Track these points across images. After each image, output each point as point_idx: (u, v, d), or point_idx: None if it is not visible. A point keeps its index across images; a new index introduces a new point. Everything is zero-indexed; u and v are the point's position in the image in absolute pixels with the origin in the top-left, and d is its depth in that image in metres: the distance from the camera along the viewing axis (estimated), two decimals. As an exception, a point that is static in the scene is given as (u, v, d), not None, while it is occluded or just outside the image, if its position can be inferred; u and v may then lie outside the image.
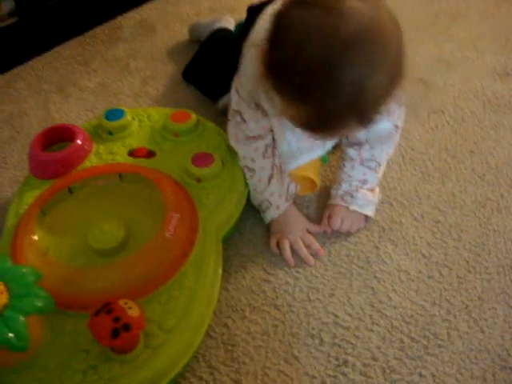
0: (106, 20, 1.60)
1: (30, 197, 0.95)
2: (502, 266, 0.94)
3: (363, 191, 0.99)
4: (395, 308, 0.88)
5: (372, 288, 0.91)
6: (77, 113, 1.29)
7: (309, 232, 0.99)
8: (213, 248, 0.87)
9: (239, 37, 0.94)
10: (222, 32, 1.37)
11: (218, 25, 1.40)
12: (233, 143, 0.99)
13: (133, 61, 1.45)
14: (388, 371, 0.81)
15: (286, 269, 0.94)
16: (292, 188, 1.02)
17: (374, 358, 0.82)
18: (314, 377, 0.80)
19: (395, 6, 0.69)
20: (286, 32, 0.68)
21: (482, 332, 0.85)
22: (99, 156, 1.02)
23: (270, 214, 0.99)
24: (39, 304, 0.70)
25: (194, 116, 1.06)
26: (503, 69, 1.38)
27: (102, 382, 0.70)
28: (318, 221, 1.01)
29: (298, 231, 0.98)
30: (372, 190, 1.01)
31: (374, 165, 0.99)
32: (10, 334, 0.65)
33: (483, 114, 1.25)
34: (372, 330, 0.85)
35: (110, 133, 1.05)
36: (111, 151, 1.03)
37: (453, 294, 0.90)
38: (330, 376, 0.80)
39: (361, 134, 0.97)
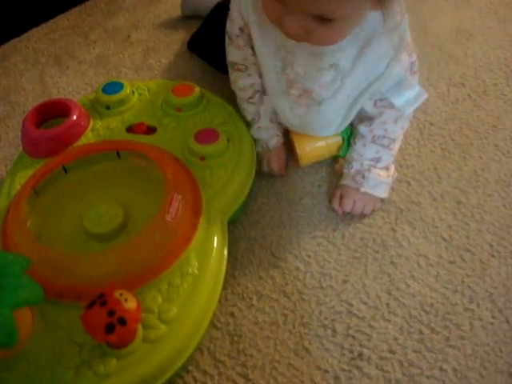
0: (107, -12, 1.52)
1: (23, 177, 0.90)
2: (528, 250, 0.87)
3: (376, 171, 0.93)
4: (414, 296, 0.82)
5: (389, 274, 0.85)
6: (75, 87, 1.23)
7: None
8: (218, 231, 0.81)
9: None
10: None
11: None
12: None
13: (134, 31, 1.38)
14: (406, 365, 0.75)
15: (296, 253, 0.88)
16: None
17: (391, 351, 0.76)
18: (326, 371, 0.75)
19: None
20: None
21: (508, 322, 0.79)
22: (96, 132, 0.96)
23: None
24: (27, 295, 0.64)
25: (197, 89, 1.00)
26: (526, 38, 1.30)
27: (96, 379, 0.65)
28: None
29: None
30: (387, 169, 0.94)
31: (388, 142, 0.92)
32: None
33: (506, 86, 1.17)
34: (389, 320, 0.80)
35: (108, 107, 0.99)
36: (109, 127, 0.97)
37: (476, 280, 0.84)
38: (343, 370, 0.75)
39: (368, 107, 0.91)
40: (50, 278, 0.72)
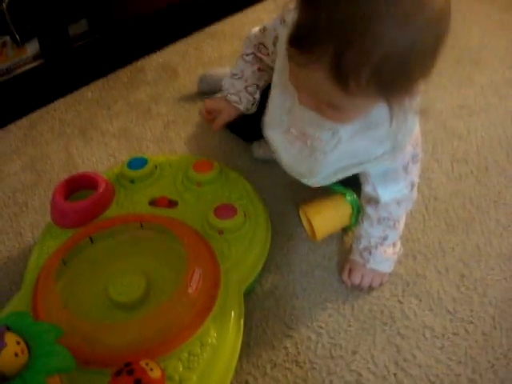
0: (129, 63, 1.62)
1: (51, 246, 0.95)
2: (529, 323, 0.92)
3: (383, 248, 0.97)
4: (420, 367, 0.86)
5: (396, 345, 0.89)
6: (99, 157, 1.30)
7: None
8: (235, 302, 0.86)
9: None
10: None
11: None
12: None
13: (155, 105, 1.46)
14: None
15: (308, 323, 0.92)
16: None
17: (399, 421, 0.80)
18: None
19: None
20: None
21: (510, 393, 0.83)
22: (121, 205, 1.02)
23: None
24: (60, 363, 0.68)
25: (216, 165, 1.06)
26: (526, 116, 1.38)
27: None
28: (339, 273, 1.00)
29: None
30: (393, 245, 0.99)
31: (393, 223, 0.97)
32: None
33: (507, 162, 1.24)
34: (397, 391, 0.84)
35: (132, 181, 1.05)
36: (132, 200, 1.03)
37: (478, 351, 0.88)
38: None
39: (369, 184, 0.95)
40: (78, 346, 0.75)
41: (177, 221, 0.95)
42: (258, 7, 1.93)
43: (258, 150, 1.26)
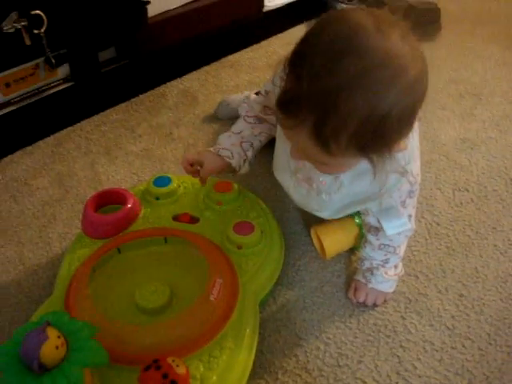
0: (152, 88, 1.71)
1: (82, 254, 1.03)
2: (521, 341, 0.99)
3: (384, 270, 1.04)
4: (420, 377, 0.93)
5: (398, 356, 0.96)
6: (123, 175, 1.38)
7: None
8: (251, 312, 0.93)
9: None
10: None
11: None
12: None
13: (176, 128, 1.55)
14: None
15: (317, 334, 1.00)
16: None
17: (400, 425, 0.87)
18: None
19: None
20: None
21: (502, 403, 0.90)
22: (146, 219, 1.10)
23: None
24: (95, 358, 0.76)
25: (235, 186, 1.15)
26: (525, 149, 1.46)
27: (147, 435, 0.76)
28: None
29: None
30: (395, 267, 1.05)
31: (393, 249, 1.03)
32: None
33: (505, 192, 1.32)
34: (398, 398, 0.91)
35: (157, 198, 1.14)
36: (157, 215, 1.11)
37: (474, 365, 0.95)
38: None
39: (371, 216, 1.01)
40: (108, 344, 0.80)
41: (199, 235, 1.04)
42: (273, 40, 2.03)
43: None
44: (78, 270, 0.99)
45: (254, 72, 1.80)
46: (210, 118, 1.59)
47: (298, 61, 0.72)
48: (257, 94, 1.21)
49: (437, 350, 0.97)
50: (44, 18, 1.31)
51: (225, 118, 1.56)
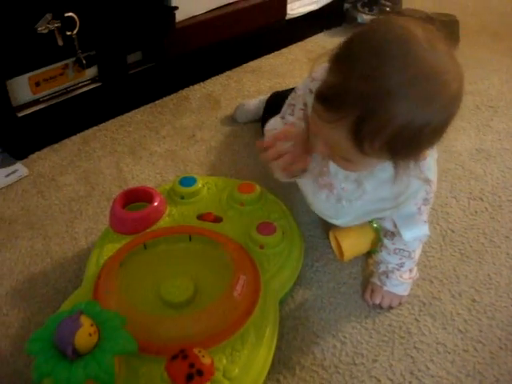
0: (175, 91, 1.76)
1: (109, 249, 1.07)
2: (532, 346, 1.02)
3: (399, 273, 1.07)
4: (432, 377, 0.96)
5: (412, 357, 0.99)
6: (147, 175, 1.42)
7: None
8: (271, 309, 0.97)
9: None
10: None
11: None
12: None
13: (198, 131, 1.59)
14: None
15: (334, 333, 1.03)
16: None
17: (413, 422, 0.90)
18: (357, 434, 0.89)
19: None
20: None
21: (512, 404, 0.93)
22: (172, 217, 1.14)
23: None
24: (125, 346, 0.80)
25: (258, 188, 1.19)
26: (539, 162, 1.49)
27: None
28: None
29: None
30: (410, 271, 1.08)
31: (408, 253, 1.06)
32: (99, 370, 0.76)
33: (519, 202, 1.35)
34: (411, 396, 0.94)
35: (182, 197, 1.18)
36: (182, 214, 1.15)
37: (485, 367, 0.98)
38: (371, 434, 0.89)
39: (387, 221, 1.05)
40: (136, 335, 0.84)
41: (223, 234, 1.08)
42: (294, 47, 2.08)
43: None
44: (105, 263, 1.03)
45: (274, 78, 1.84)
46: (231, 121, 1.64)
47: (346, 59, 0.75)
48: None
49: (449, 352, 1.00)
50: (77, 20, 1.36)
51: (242, 121, 1.62)
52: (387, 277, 1.07)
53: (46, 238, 1.24)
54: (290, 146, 0.91)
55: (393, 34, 0.73)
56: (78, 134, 1.58)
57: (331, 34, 2.22)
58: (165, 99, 1.73)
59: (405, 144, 0.75)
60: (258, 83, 1.81)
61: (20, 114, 1.43)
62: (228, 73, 1.89)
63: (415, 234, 1.03)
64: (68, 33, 1.37)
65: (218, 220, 1.14)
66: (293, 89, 1.24)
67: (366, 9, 2.19)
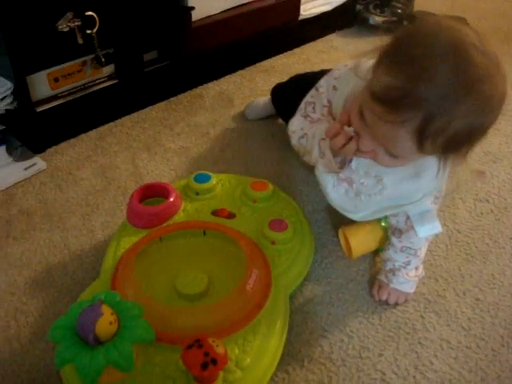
0: (189, 89, 1.80)
1: (126, 242, 1.10)
2: (533, 345, 1.05)
3: (405, 271, 1.10)
4: (436, 372, 1.00)
5: (416, 352, 1.03)
6: (162, 170, 1.46)
7: None
8: (282, 303, 1.01)
9: None
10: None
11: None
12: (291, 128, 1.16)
13: (212, 128, 1.63)
14: (427, 427, 0.93)
15: (341, 328, 1.07)
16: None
17: (416, 414, 0.94)
18: (362, 424, 0.93)
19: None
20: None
21: (512, 400, 0.97)
22: (187, 213, 1.18)
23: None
24: (144, 334, 0.83)
25: (270, 186, 1.22)
26: (545, 165, 1.52)
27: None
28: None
29: None
30: (416, 269, 1.12)
31: (415, 251, 1.09)
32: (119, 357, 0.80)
33: (525, 205, 1.38)
34: (415, 390, 0.98)
35: (197, 193, 1.22)
36: (197, 209, 1.19)
37: (487, 364, 1.01)
38: (376, 425, 0.92)
39: (401, 216, 1.09)
40: (152, 325, 0.87)
41: (236, 230, 1.11)
42: (306, 47, 2.12)
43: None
44: (123, 256, 1.07)
45: (286, 77, 1.82)
46: (244, 119, 1.67)
47: (404, 60, 0.78)
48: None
49: (453, 349, 1.04)
50: (96, 19, 1.40)
51: (252, 118, 1.66)
52: (394, 274, 1.10)
53: (63, 231, 1.28)
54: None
55: (445, 35, 0.76)
56: (94, 130, 1.62)
57: (343, 34, 2.25)
58: (179, 97, 1.77)
59: (460, 143, 0.80)
60: (270, 82, 1.83)
61: (39, 109, 1.46)
62: (241, 72, 1.93)
63: (430, 232, 1.07)
64: (88, 31, 1.40)
65: (231, 216, 1.18)
66: (294, 78, 1.28)
67: (378, 10, 2.22)
